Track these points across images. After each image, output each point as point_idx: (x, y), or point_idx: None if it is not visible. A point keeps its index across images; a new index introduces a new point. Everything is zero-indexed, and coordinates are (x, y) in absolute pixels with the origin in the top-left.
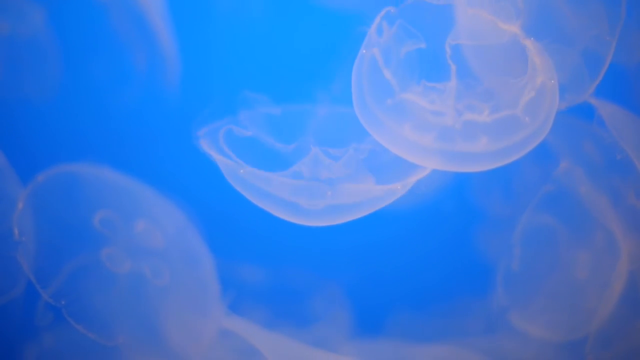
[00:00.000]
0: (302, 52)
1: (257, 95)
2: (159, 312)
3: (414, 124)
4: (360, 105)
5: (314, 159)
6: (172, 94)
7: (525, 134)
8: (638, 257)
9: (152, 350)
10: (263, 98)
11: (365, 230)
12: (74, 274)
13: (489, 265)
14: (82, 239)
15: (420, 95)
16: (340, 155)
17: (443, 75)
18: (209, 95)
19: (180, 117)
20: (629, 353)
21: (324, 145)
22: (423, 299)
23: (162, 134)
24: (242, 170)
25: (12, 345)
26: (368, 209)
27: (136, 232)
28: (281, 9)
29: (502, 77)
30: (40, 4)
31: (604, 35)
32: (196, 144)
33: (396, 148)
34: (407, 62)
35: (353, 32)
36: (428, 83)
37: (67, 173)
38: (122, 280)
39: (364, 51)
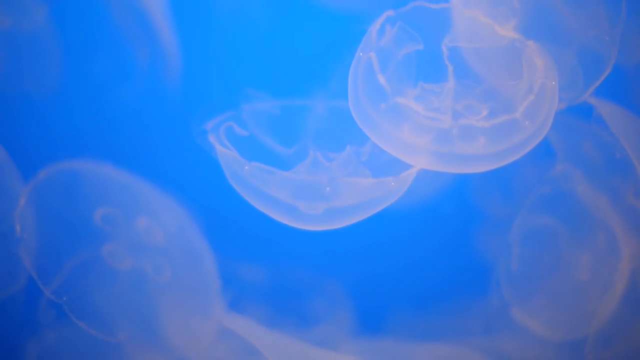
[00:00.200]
0: (302, 51)
1: (258, 93)
2: (160, 308)
3: (410, 127)
4: (356, 107)
5: (313, 162)
6: (173, 90)
7: (524, 136)
8: (638, 256)
9: (153, 346)
10: (264, 96)
11: (366, 230)
12: (75, 271)
13: (489, 265)
14: (83, 236)
15: (415, 100)
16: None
17: (441, 77)
18: (210, 92)
19: (182, 114)
20: (629, 353)
21: (323, 148)
22: (423, 299)
23: (164, 130)
24: (247, 167)
25: (13, 342)
26: (366, 213)
27: (137, 228)
28: (282, 7)
29: (501, 78)
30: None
31: (604, 35)
32: (198, 141)
33: (393, 150)
34: (405, 64)
35: (353, 32)
36: (426, 85)
37: (69, 170)
38: (123, 277)
39: (361, 54)
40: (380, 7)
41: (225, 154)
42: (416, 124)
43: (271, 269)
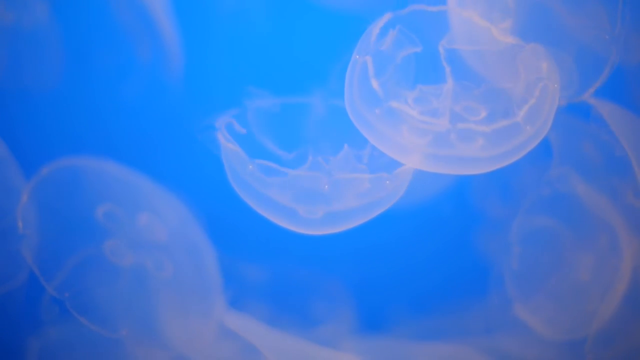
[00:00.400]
0: (303, 49)
1: (259, 91)
2: (161, 305)
3: (407, 129)
4: (352, 109)
5: (313, 165)
6: (174, 87)
7: (523, 138)
8: (639, 256)
9: (154, 342)
10: (265, 93)
11: (368, 230)
12: (77, 267)
13: (489, 265)
14: (85, 232)
15: (414, 101)
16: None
17: (440, 79)
18: (211, 89)
19: (183, 111)
20: (629, 353)
21: (323, 149)
22: (424, 299)
23: (165, 127)
24: (250, 167)
25: (15, 338)
26: (365, 217)
27: (139, 225)
28: (283, 5)
29: (502, 80)
30: None
31: (603, 34)
32: (200, 138)
33: (390, 152)
34: (403, 67)
35: (355, 31)
36: (424, 87)
37: (71, 166)
38: (125, 273)
39: (357, 56)
40: (382, 7)
41: (231, 150)
42: (413, 126)
43: (272, 268)
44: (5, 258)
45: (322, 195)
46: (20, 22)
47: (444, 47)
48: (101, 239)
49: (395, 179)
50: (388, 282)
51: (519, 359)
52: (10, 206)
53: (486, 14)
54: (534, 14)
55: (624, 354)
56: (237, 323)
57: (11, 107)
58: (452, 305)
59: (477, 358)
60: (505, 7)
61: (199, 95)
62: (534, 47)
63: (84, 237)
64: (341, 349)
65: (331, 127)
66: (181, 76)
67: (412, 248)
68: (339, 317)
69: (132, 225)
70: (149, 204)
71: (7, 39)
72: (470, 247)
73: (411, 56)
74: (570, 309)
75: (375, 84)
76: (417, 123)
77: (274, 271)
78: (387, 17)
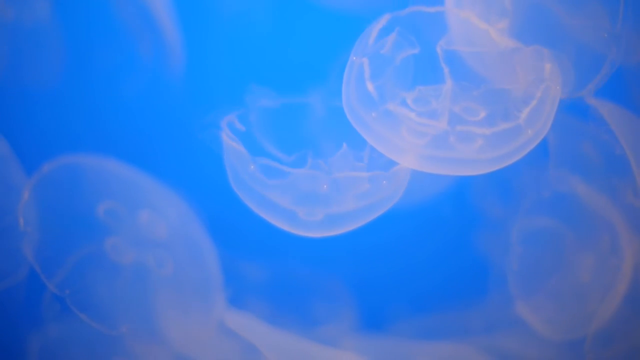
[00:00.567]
0: (303, 48)
1: (260, 89)
2: (162, 302)
3: (404, 131)
4: (350, 110)
5: (312, 168)
6: (175, 85)
7: (523, 140)
8: (639, 255)
9: (154, 339)
10: (265, 91)
11: (369, 230)
12: (78, 264)
13: (489, 265)
14: (86, 230)
15: (410, 105)
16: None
17: (438, 81)
18: (212, 87)
19: (184, 109)
20: (630, 352)
21: (323, 151)
22: (425, 298)
23: (166, 125)
24: (252, 166)
25: (16, 334)
26: (364, 219)
27: (140, 222)
28: (285, 5)
29: (503, 81)
30: None
31: (602, 33)
32: (201, 135)
33: (389, 153)
34: (401, 68)
35: (356, 31)
36: (423, 87)
37: (72, 164)
38: (126, 271)
39: (354, 58)
40: (384, 7)
41: (233, 150)
42: (411, 128)
43: (272, 267)
44: (6, 255)
45: (321, 197)
46: (21, 20)
47: (442, 48)
48: (102, 236)
49: (393, 179)
50: (389, 281)
51: (519, 359)
52: (11, 204)
53: (483, 14)
54: (530, 13)
55: (624, 353)
56: (237, 321)
57: (12, 104)
58: (452, 304)
59: (477, 357)
60: (502, 8)
61: (200, 93)
62: (537, 48)
63: (85, 235)
64: (342, 348)
65: (331, 128)
66: (182, 74)
67: (412, 247)
68: (340, 316)
69: (133, 223)
70: (150, 201)
71: (8, 36)
72: (471, 247)
73: (409, 57)
74: (570, 308)
75: (370, 86)
76: (414, 125)
77: (274, 270)
78: (385, 18)
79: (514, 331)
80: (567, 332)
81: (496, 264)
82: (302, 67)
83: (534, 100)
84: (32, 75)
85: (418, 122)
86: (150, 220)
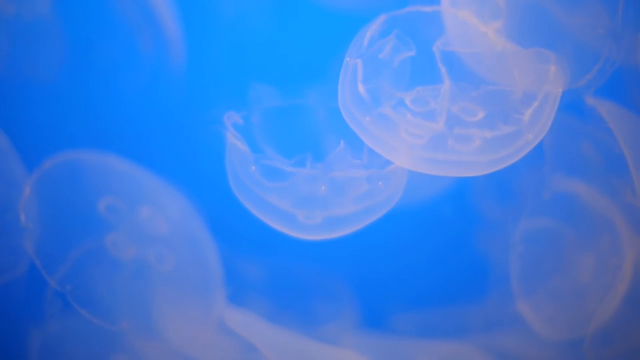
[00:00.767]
0: (304, 46)
1: (261, 86)
2: (162, 298)
3: (400, 132)
4: (346, 111)
5: (312, 170)
6: (176, 81)
7: (523, 142)
8: (639, 254)
9: (154, 335)
10: (266, 89)
11: (369, 229)
12: (79, 260)
13: (489, 265)
14: (87, 225)
15: (409, 106)
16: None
17: (437, 82)
18: (213, 83)
19: (185, 105)
20: (629, 352)
21: (323, 153)
22: (425, 297)
23: (167, 121)
24: (253, 168)
25: (16, 330)
26: (363, 221)
27: (141, 218)
28: (286, 5)
29: (502, 82)
30: None
31: (599, 29)
32: (203, 132)
33: (386, 154)
34: (396, 70)
35: (355, 33)
36: (421, 88)
37: (73, 160)
38: (126, 266)
39: (348, 59)
40: (385, 8)
41: (236, 149)
42: (407, 130)
43: (273, 265)
44: (7, 251)
45: (320, 200)
46: (21, 15)
47: (439, 49)
48: (103, 232)
49: (390, 181)
50: (389, 280)
51: (519, 358)
52: (12, 200)
53: (477, 14)
54: (526, 13)
55: (624, 353)
56: (237, 319)
57: (13, 100)
58: (452, 303)
59: (477, 356)
60: (496, 7)
61: (201, 88)
62: (541, 51)
63: (86, 230)
64: (342, 347)
65: (331, 129)
66: (182, 70)
67: (412, 247)
68: (340, 316)
69: (134, 219)
70: (151, 197)
71: (8, 31)
72: (470, 247)
73: (404, 58)
74: (570, 308)
75: (362, 88)
76: (410, 126)
77: (274, 268)
78: (380, 19)
79: (514, 330)
80: (567, 331)
81: (496, 263)
82: (302, 66)
83: (536, 102)
84: (33, 71)
85: (414, 124)
86: (151, 216)
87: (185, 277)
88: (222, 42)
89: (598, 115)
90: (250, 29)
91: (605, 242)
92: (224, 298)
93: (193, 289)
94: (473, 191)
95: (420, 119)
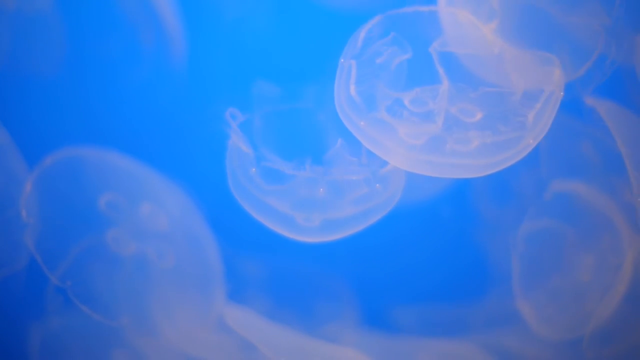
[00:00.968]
0: (304, 46)
1: (262, 84)
2: (162, 294)
3: (397, 133)
4: (342, 112)
5: (311, 172)
6: (178, 77)
7: (523, 144)
8: (639, 254)
9: (154, 331)
10: (267, 87)
11: (369, 229)
12: (79, 256)
13: (490, 264)
14: (88, 221)
15: (408, 106)
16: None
17: (435, 82)
18: (215, 80)
19: (186, 101)
20: (629, 351)
21: (322, 155)
22: (425, 296)
23: (168, 117)
24: (253, 169)
25: (17, 326)
26: (361, 224)
27: (141, 214)
28: (288, 4)
29: (501, 84)
30: None
31: (594, 25)
32: (204, 128)
33: (382, 155)
34: (391, 71)
35: (353, 32)
36: (419, 89)
37: (74, 156)
38: (127, 262)
39: (342, 60)
40: (386, 8)
41: (237, 150)
42: (403, 131)
43: (273, 264)
44: (8, 247)
45: (319, 202)
46: (22, 10)
47: (436, 50)
48: (103, 228)
49: (387, 183)
50: (389, 279)
51: (519, 357)
52: (13, 196)
53: (474, 14)
54: (523, 13)
55: (623, 353)
56: (237, 316)
57: (14, 96)
58: (452, 302)
59: (477, 355)
60: (490, 8)
61: (202, 86)
62: (543, 54)
63: (87, 226)
64: (342, 345)
65: (330, 131)
66: (184, 66)
67: (412, 246)
68: (340, 315)
69: (134, 215)
70: (151, 193)
71: (9, 26)
72: (470, 247)
73: (399, 59)
74: (570, 307)
75: (353, 90)
76: (408, 128)
77: (275, 267)
78: (375, 19)
79: (514, 330)
80: (566, 331)
81: (495, 263)
82: (303, 66)
83: (539, 105)
84: (34, 67)
85: (412, 125)
86: (152, 212)
87: (185, 273)
88: (224, 39)
89: (597, 115)
90: (252, 27)
91: (605, 241)
92: (224, 295)
93: (193, 285)
94: (472, 191)
95: (418, 120)
